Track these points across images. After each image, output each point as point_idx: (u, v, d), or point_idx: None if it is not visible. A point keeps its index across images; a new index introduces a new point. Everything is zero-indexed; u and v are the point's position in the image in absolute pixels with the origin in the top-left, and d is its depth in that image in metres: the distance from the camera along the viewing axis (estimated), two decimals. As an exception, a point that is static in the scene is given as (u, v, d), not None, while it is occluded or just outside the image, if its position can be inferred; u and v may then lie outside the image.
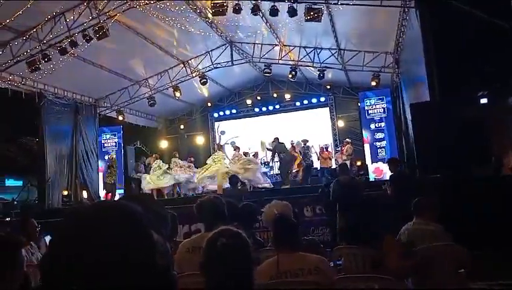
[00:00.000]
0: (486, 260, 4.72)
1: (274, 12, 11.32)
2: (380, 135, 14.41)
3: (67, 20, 11.28)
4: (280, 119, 19.71)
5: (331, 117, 19.50)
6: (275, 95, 19.81)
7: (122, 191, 15.49)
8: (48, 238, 6.81)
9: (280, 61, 15.69)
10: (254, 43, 15.42)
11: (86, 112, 16.20)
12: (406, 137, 12.91)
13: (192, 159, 15.78)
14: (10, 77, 12.76)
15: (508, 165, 8.99)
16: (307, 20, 11.20)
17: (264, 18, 12.79)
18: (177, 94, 16.72)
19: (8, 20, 10.54)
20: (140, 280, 0.92)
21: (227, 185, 11.42)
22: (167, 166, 14.43)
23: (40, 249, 6.17)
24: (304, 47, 15.08)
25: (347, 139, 15.56)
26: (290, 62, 15.66)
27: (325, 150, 16.22)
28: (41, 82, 13.81)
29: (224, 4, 10.96)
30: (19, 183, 21.63)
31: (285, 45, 15.16)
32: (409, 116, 10.71)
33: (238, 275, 1.83)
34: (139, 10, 11.54)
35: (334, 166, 15.46)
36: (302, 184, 14.33)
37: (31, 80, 13.41)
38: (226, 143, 15.63)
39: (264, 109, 20.19)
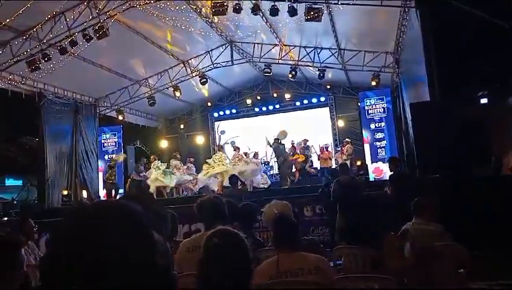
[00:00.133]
0: (486, 260, 4.72)
1: (274, 12, 11.32)
2: (380, 135, 14.41)
3: (67, 19, 11.27)
4: (280, 119, 19.67)
5: (331, 117, 19.49)
6: (275, 95, 19.79)
7: (122, 190, 15.48)
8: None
9: (280, 61, 15.67)
10: (254, 43, 15.41)
11: (85, 111, 16.20)
12: (406, 137, 12.91)
13: (191, 159, 15.79)
14: (10, 77, 12.77)
15: (508, 165, 8.99)
16: (307, 20, 11.20)
17: (264, 18, 12.79)
18: (177, 94, 16.71)
19: (8, 20, 10.54)
20: (141, 279, 0.92)
21: (227, 184, 11.44)
22: (165, 165, 14.43)
23: (39, 248, 6.19)
24: (304, 47, 15.08)
25: (347, 139, 15.55)
26: (290, 62, 15.65)
27: (325, 150, 16.23)
28: (41, 82, 13.82)
29: (225, 4, 10.96)
30: (19, 183, 21.63)
31: (285, 45, 15.15)
32: (409, 116, 10.71)
33: (233, 274, 1.83)
34: (139, 10, 11.54)
35: (334, 166, 15.45)
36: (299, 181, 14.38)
37: (31, 80, 13.42)
38: (226, 143, 15.63)
39: (264, 108, 20.19)
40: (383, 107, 14.54)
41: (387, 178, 9.45)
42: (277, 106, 19.98)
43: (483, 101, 8.15)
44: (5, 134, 18.30)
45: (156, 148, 19.27)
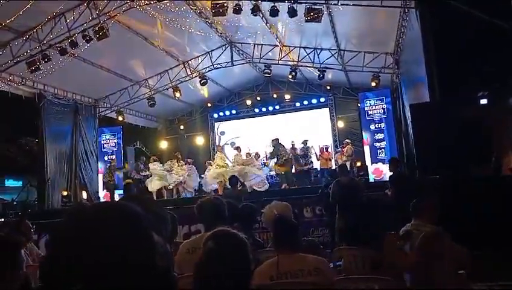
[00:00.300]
0: (486, 260, 4.71)
1: (274, 12, 11.32)
2: (379, 136, 14.42)
3: (67, 20, 11.28)
4: (280, 119, 19.69)
5: (330, 118, 19.48)
6: (274, 96, 19.78)
7: (121, 191, 15.48)
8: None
9: (280, 62, 15.67)
10: (254, 44, 15.42)
11: (85, 112, 16.21)
12: (405, 138, 12.91)
13: (189, 160, 15.76)
14: (10, 78, 12.77)
15: (508, 166, 8.98)
16: (307, 21, 11.19)
17: (264, 18, 12.79)
18: (177, 95, 16.71)
19: (8, 21, 10.54)
20: (140, 281, 0.92)
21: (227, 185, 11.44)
22: (164, 166, 14.45)
23: (39, 249, 6.19)
24: (304, 47, 15.08)
25: (347, 140, 15.53)
26: (290, 63, 15.66)
27: (325, 150, 16.22)
28: (41, 82, 13.83)
29: (225, 4, 10.96)
30: (19, 183, 21.65)
31: (285, 46, 15.15)
32: (408, 117, 10.71)
33: (233, 275, 1.82)
34: (139, 11, 11.54)
35: (334, 167, 15.45)
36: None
37: (31, 81, 13.42)
38: (226, 144, 15.64)
39: (264, 109, 20.16)
40: (382, 108, 14.55)
41: (387, 179, 9.45)
42: (277, 107, 19.97)
43: (483, 101, 8.14)
44: (5, 135, 18.33)
45: (156, 149, 19.27)
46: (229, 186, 10.33)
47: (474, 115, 7.77)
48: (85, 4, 11.14)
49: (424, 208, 4.24)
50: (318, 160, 16.01)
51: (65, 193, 14.41)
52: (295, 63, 15.55)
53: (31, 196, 15.89)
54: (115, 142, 17.02)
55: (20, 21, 10.66)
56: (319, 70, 15.35)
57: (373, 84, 14.71)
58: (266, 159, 16.97)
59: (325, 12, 11.34)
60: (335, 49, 14.66)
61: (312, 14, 10.95)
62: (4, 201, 16.72)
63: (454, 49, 8.10)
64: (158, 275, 0.96)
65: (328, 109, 19.56)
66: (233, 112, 20.69)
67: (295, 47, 15.16)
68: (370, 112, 14.67)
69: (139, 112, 18.89)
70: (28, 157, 18.12)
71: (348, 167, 12.22)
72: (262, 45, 15.27)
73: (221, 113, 20.99)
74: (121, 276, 0.89)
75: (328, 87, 18.65)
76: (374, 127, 14.53)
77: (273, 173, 16.22)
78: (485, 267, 4.40)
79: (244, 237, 1.99)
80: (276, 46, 15.14)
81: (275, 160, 14.35)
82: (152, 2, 11.22)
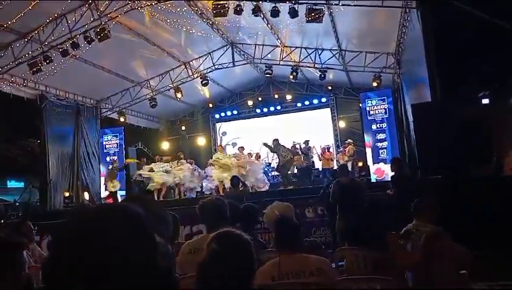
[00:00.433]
0: (486, 260, 4.71)
1: (275, 13, 11.31)
2: (381, 136, 14.42)
3: (69, 21, 11.30)
4: (281, 120, 19.69)
5: (332, 118, 19.46)
6: (276, 96, 19.77)
7: (123, 192, 15.49)
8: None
9: (281, 62, 15.68)
10: (255, 44, 15.43)
11: (87, 113, 16.23)
12: (407, 138, 12.90)
13: (190, 161, 15.74)
14: (12, 79, 12.80)
15: (509, 166, 8.96)
16: (308, 21, 11.19)
17: (265, 19, 12.79)
18: (179, 95, 16.71)
19: (9, 22, 10.57)
20: (142, 282, 0.93)
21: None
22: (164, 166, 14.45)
23: (42, 250, 6.21)
24: (305, 48, 15.08)
25: (349, 140, 15.52)
26: (291, 63, 15.66)
27: (327, 150, 16.21)
28: (42, 84, 13.86)
29: (226, 5, 10.97)
30: (21, 184, 21.65)
31: (287, 46, 15.16)
32: (410, 117, 10.69)
33: (236, 275, 1.83)
34: (140, 12, 11.56)
35: (335, 167, 15.44)
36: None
37: (33, 82, 13.45)
38: (227, 144, 15.63)
39: (265, 109, 20.17)
40: (384, 108, 14.54)
41: (389, 179, 9.44)
42: (278, 107, 19.97)
43: (485, 101, 8.13)
44: (7, 136, 18.33)
45: (157, 149, 19.26)
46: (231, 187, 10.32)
47: (474, 115, 7.76)
48: (86, 5, 11.15)
49: (423, 208, 4.25)
50: (320, 160, 16.00)
51: (67, 194, 14.42)
52: (296, 63, 15.56)
53: (33, 197, 15.90)
54: (117, 143, 17.05)
55: (21, 22, 10.70)
56: (320, 71, 15.35)
57: (374, 84, 14.69)
58: (269, 159, 16.99)
59: (326, 13, 11.34)
60: (336, 50, 14.66)
61: (313, 14, 10.94)
62: (6, 202, 16.72)
63: (456, 49, 8.10)
64: (159, 276, 0.97)
65: (329, 109, 19.56)
66: (235, 112, 20.69)
67: (296, 47, 15.16)
68: (372, 112, 14.67)
69: (141, 112, 18.91)
70: (29, 158, 18.12)
71: (350, 167, 12.21)
72: (263, 45, 15.29)
73: (222, 114, 21.01)
74: (122, 277, 0.90)
75: (330, 88, 18.61)
76: (375, 127, 14.53)
77: (275, 173, 16.22)
78: (485, 267, 4.40)
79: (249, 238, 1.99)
80: (277, 46, 15.15)
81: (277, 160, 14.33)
82: (153, 3, 11.23)
